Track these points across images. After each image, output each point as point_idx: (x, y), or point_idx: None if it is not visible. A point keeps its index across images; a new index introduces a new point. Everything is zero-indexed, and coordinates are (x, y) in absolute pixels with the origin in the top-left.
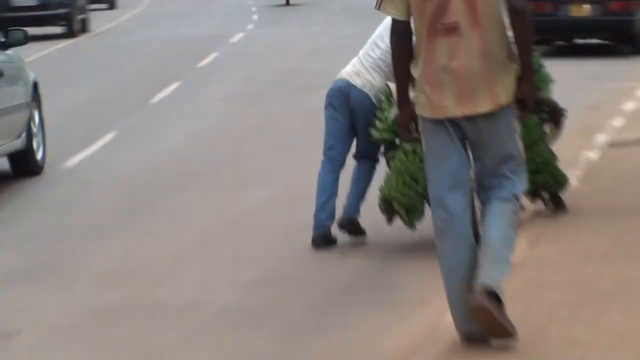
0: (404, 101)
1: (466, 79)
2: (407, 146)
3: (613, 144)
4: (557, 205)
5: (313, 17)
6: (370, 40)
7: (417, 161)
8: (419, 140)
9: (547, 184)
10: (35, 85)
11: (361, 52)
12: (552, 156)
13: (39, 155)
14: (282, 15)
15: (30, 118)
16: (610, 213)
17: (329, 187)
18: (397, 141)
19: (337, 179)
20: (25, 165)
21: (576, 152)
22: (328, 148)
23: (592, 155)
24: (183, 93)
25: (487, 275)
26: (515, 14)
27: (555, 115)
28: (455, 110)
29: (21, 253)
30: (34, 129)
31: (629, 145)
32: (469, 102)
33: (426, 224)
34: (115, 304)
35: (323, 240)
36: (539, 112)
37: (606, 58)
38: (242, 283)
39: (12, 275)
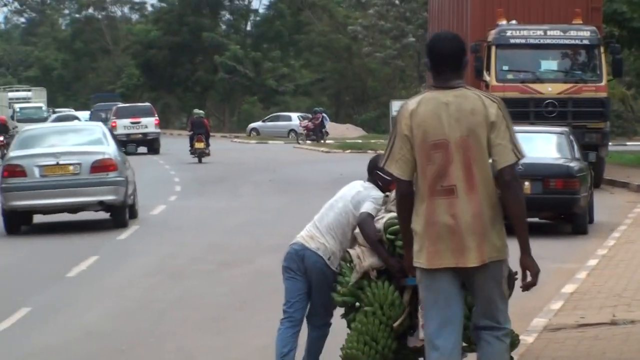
0: (409, 246)
1: (460, 236)
2: (368, 308)
3: (550, 328)
4: None
5: (239, 189)
6: (327, 205)
7: (377, 322)
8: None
9: None
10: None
11: (316, 217)
12: None
13: (137, 207)
14: (207, 186)
15: (134, 188)
16: None
17: (289, 342)
18: (357, 304)
19: (295, 334)
20: (132, 212)
21: None
22: (287, 307)
23: (529, 339)
24: (101, 267)
25: None
26: (505, 187)
27: (507, 279)
28: (451, 261)
29: None
30: (136, 194)
31: (566, 330)
32: (461, 256)
33: None
34: None
35: None
36: None
37: (545, 237)
38: None
39: None
